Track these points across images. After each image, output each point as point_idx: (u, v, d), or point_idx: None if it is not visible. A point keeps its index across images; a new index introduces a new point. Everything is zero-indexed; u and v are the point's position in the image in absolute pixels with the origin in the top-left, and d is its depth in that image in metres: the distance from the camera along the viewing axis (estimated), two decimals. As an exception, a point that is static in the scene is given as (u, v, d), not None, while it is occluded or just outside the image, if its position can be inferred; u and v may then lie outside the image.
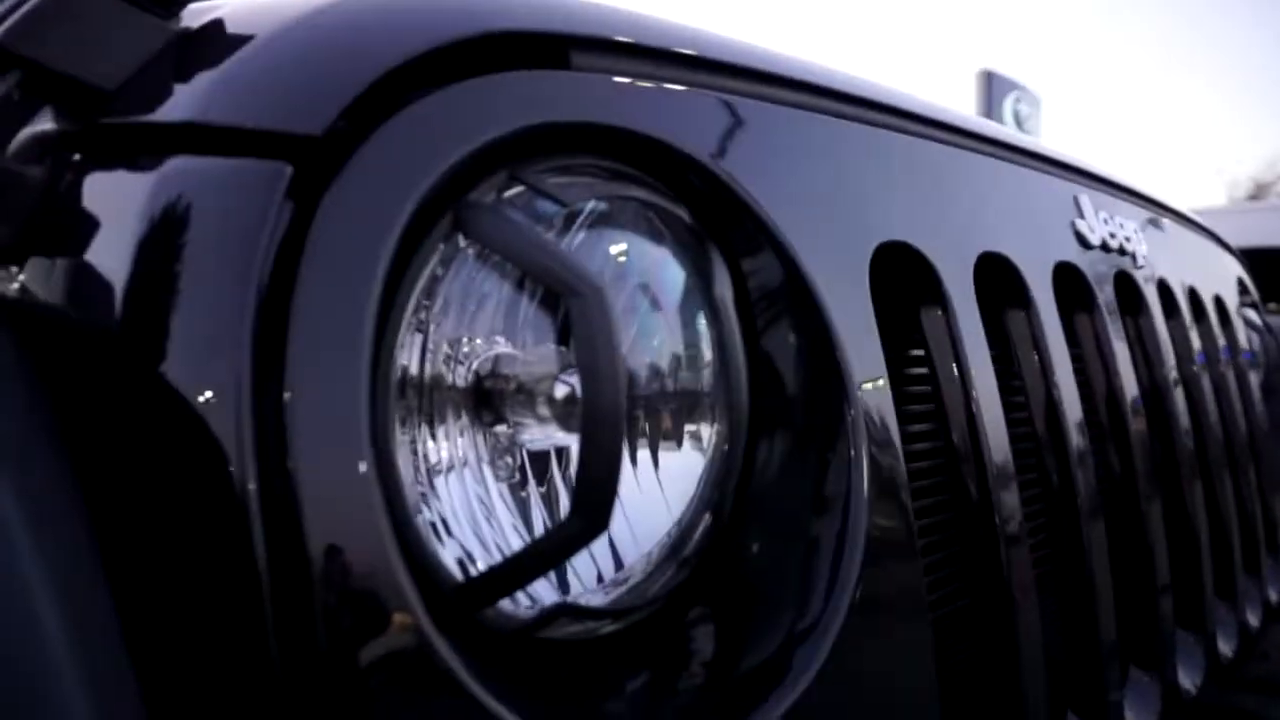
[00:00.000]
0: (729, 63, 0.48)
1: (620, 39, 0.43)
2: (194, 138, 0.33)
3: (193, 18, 0.39)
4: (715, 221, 0.44)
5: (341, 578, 0.31)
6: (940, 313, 0.55)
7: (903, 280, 0.54)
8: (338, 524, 0.31)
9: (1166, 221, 0.98)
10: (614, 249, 0.40)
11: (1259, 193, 17.70)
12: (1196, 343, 0.92)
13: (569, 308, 0.34)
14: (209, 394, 0.30)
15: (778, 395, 0.43)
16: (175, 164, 0.33)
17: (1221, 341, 1.01)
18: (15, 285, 0.34)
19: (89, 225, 0.34)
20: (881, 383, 0.46)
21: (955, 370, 0.55)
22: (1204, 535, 0.82)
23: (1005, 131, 0.76)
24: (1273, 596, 1.02)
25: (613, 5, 0.46)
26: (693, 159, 0.42)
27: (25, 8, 0.35)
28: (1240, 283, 1.22)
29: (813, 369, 0.44)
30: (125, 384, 0.32)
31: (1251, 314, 1.24)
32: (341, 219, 0.31)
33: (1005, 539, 0.52)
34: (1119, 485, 0.71)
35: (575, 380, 0.37)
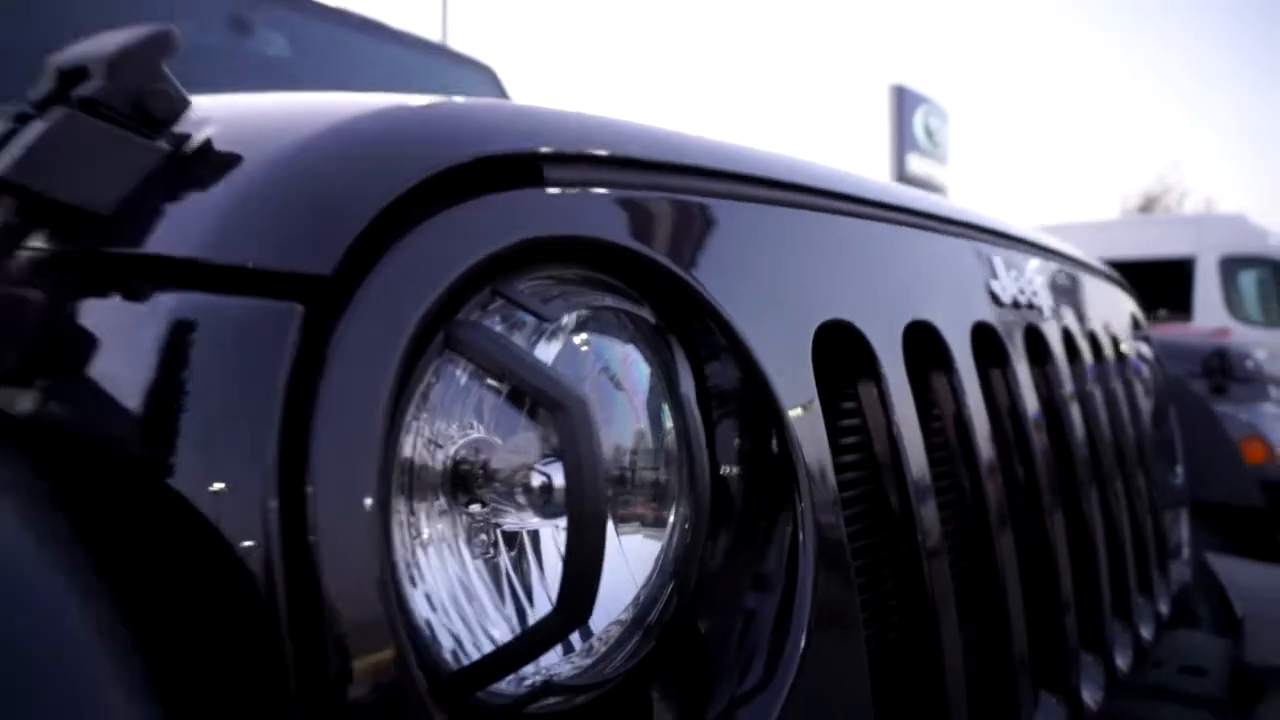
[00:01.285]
0: (687, 164, 0.52)
1: (585, 151, 0.47)
2: (201, 274, 0.35)
3: (191, 127, 0.41)
4: (678, 320, 0.47)
5: (356, 655, 0.33)
6: (874, 383, 0.60)
7: (841, 352, 0.59)
8: (353, 602, 0.33)
9: (1070, 271, 1.07)
10: (590, 353, 0.44)
11: (1149, 205, 18.77)
12: (1094, 381, 1.01)
13: (555, 421, 0.38)
14: (237, 494, 0.32)
15: (734, 481, 0.48)
16: (184, 298, 0.35)
17: (1117, 378, 1.10)
18: (27, 406, 0.36)
19: (96, 349, 0.36)
20: (826, 460, 0.51)
21: (887, 435, 0.60)
22: (1103, 559, 0.90)
23: (932, 201, 0.82)
24: (1163, 610, 1.11)
25: (580, 113, 0.50)
26: (656, 263, 0.46)
27: (23, 142, 0.36)
28: (1134, 318, 1.33)
29: (765, 456, 0.48)
30: (145, 496, 0.34)
31: (1143, 347, 1.34)
32: (351, 350, 0.34)
33: (937, 600, 0.57)
34: (1034, 527, 0.78)
35: (550, 470, 0.41)
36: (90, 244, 0.38)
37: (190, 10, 1.90)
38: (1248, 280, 8.90)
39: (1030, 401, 0.81)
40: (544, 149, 0.44)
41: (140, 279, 0.36)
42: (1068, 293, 1.02)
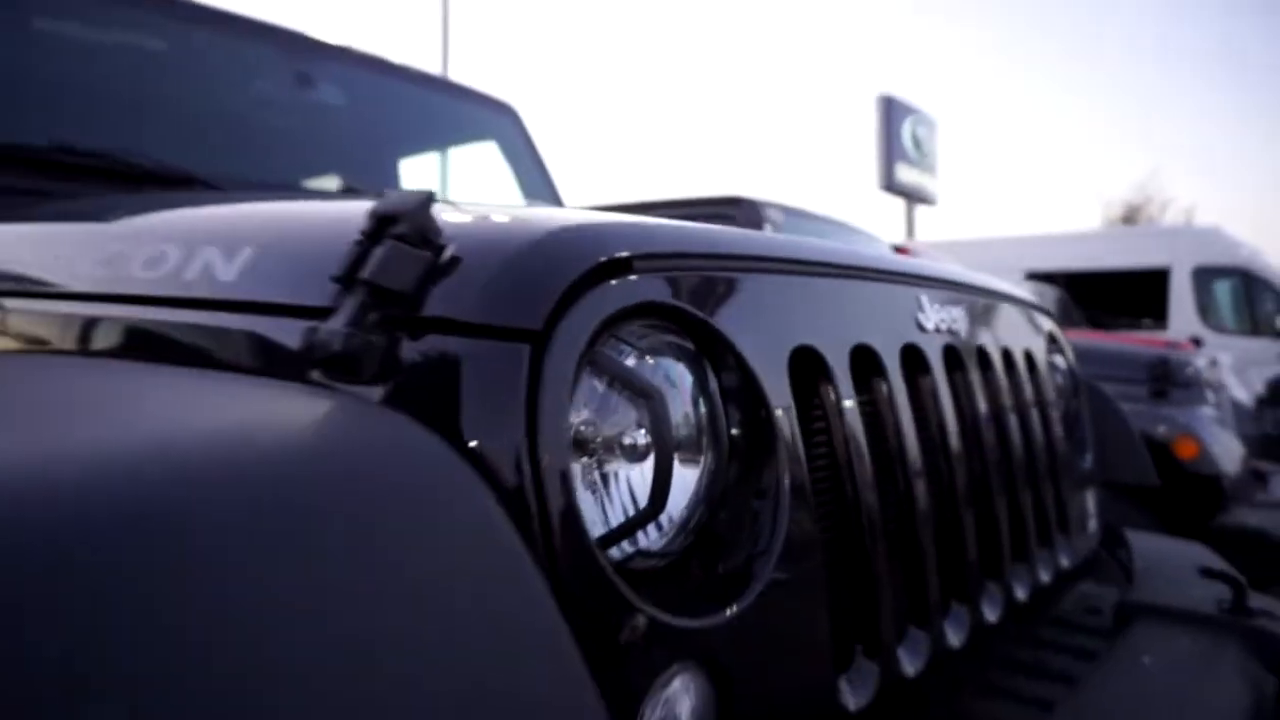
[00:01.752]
0: (713, 253, 0.86)
1: (653, 250, 0.80)
2: (470, 329, 0.69)
3: (450, 237, 0.74)
4: (707, 347, 0.81)
5: (563, 528, 0.66)
6: (830, 385, 0.94)
7: (807, 367, 0.93)
8: (560, 506, 0.66)
9: (986, 302, 1.40)
10: (658, 367, 0.77)
11: (1130, 215, 19.24)
12: (1005, 386, 1.34)
13: (649, 404, 0.71)
14: (507, 455, 0.66)
15: (740, 440, 0.81)
16: (461, 342, 0.69)
17: (1028, 384, 1.44)
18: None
19: (417, 374, 0.69)
20: (796, 431, 0.85)
21: (840, 419, 0.94)
22: (1003, 513, 1.24)
23: (879, 258, 1.16)
24: (1064, 562, 1.45)
25: (652, 224, 0.84)
26: (693, 315, 0.79)
27: (372, 261, 0.70)
28: (1050, 336, 1.67)
29: (758, 426, 0.82)
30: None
31: (1058, 359, 1.69)
32: (552, 371, 0.67)
33: (869, 522, 0.91)
34: (947, 484, 1.12)
35: (636, 435, 0.74)
36: (406, 312, 0.71)
37: (265, 73, 2.25)
38: (1222, 290, 9.26)
39: (946, 398, 1.15)
40: (632, 253, 0.77)
41: (435, 332, 0.70)
42: (983, 318, 1.36)
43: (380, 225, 0.73)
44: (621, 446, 0.74)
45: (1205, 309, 8.97)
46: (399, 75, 2.52)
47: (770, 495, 0.80)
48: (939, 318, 1.19)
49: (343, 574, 0.50)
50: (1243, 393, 5.57)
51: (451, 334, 0.69)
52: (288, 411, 0.65)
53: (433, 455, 0.60)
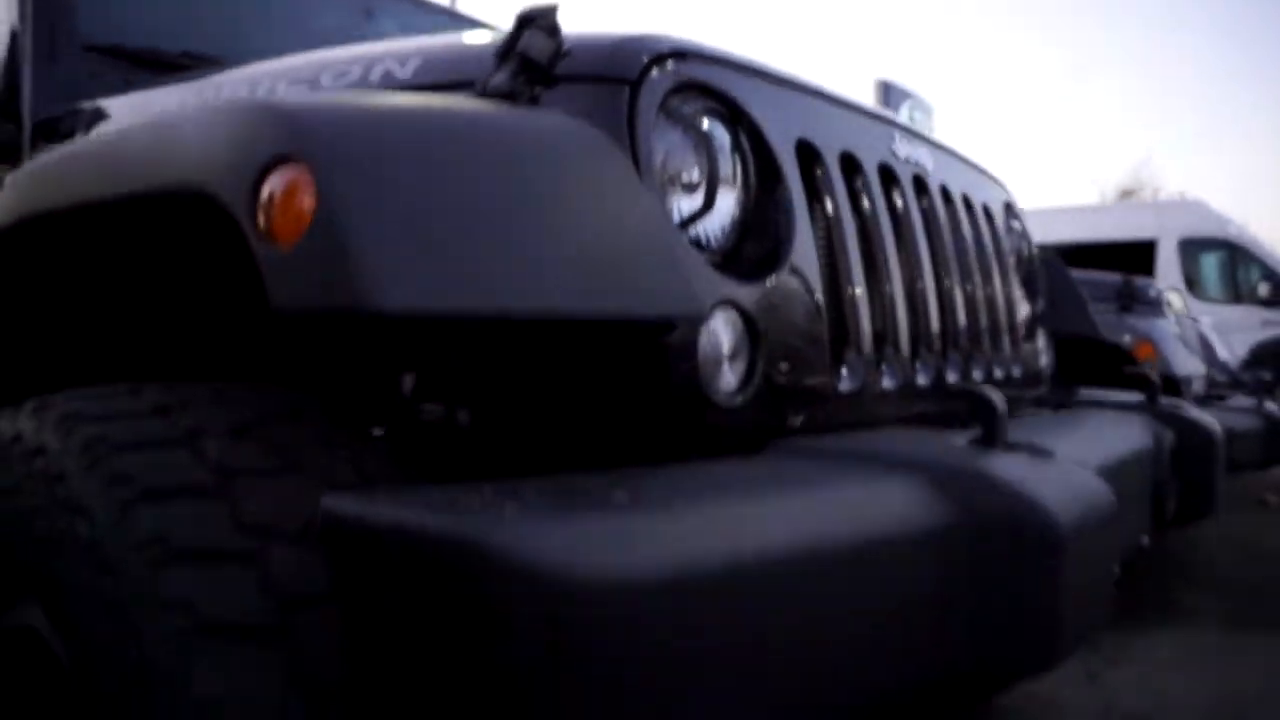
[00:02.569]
0: (749, 65, 1.22)
1: (706, 53, 1.16)
2: (591, 79, 1.05)
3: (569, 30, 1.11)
4: (738, 120, 1.18)
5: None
6: (823, 170, 1.31)
7: (808, 156, 1.29)
8: (654, 172, 1.03)
9: (951, 158, 1.77)
10: (712, 131, 1.14)
11: (1124, 198, 19.69)
12: (965, 221, 1.70)
13: (707, 144, 1.08)
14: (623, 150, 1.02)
15: (762, 189, 1.18)
16: (582, 87, 1.05)
17: (985, 227, 1.80)
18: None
19: (549, 105, 1.06)
20: (799, 187, 1.21)
21: (832, 200, 1.30)
22: (961, 306, 1.60)
23: (866, 105, 1.53)
24: (1014, 371, 1.81)
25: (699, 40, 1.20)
26: (731, 96, 1.16)
27: (525, 42, 1.06)
28: (1007, 205, 2.03)
29: (774, 173, 1.19)
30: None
31: (1015, 224, 2.05)
32: (643, 103, 1.04)
33: (849, 265, 1.28)
34: (915, 268, 1.48)
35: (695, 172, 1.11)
36: (544, 75, 1.07)
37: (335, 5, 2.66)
38: (1207, 261, 9.63)
39: (915, 209, 1.51)
40: (690, 50, 1.14)
41: (565, 83, 1.06)
42: (948, 168, 1.72)
43: (522, 23, 1.09)
44: (680, 177, 1.10)
45: (1190, 279, 9.33)
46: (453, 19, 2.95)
47: (784, 212, 1.17)
48: (908, 153, 1.56)
49: (545, 176, 0.87)
50: (1227, 354, 5.94)
51: (576, 83, 1.06)
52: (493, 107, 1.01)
53: (582, 126, 0.96)
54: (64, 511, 0.83)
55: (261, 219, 0.75)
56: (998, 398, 1.01)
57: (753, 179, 1.17)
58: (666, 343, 0.99)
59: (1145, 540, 1.44)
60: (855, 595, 0.77)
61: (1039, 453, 1.01)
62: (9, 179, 1.20)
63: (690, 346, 1.01)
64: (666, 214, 0.99)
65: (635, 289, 0.85)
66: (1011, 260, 1.91)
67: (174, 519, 0.78)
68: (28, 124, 1.80)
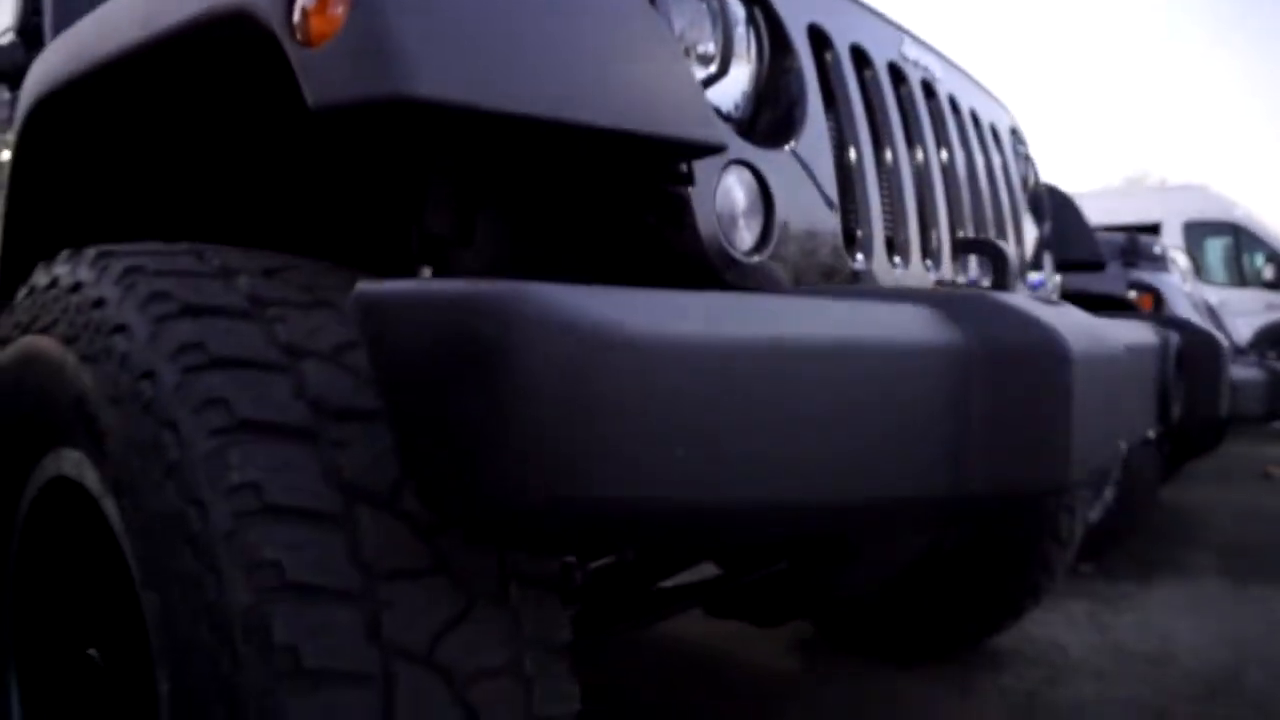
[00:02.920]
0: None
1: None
2: None
3: None
4: (763, 12, 1.20)
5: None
6: (832, 54, 1.33)
7: (819, 41, 1.31)
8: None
9: (961, 75, 1.79)
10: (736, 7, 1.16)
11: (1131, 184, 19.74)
12: (973, 132, 1.73)
13: (723, 18, 1.10)
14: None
15: (775, 64, 1.21)
16: None
17: (992, 143, 1.82)
18: None
19: None
20: (811, 65, 1.24)
21: (840, 83, 1.33)
22: (969, 211, 1.62)
23: (881, 11, 1.55)
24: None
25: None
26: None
27: None
28: (1013, 130, 2.05)
29: (787, 54, 1.21)
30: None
31: (1023, 150, 2.07)
32: None
33: (859, 143, 1.30)
34: (923, 169, 1.50)
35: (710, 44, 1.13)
36: None
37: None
38: (1213, 246, 9.63)
39: (923, 110, 1.53)
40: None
41: None
42: (956, 80, 1.74)
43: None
44: (696, 48, 1.13)
45: (1195, 262, 9.34)
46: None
47: (797, 90, 1.19)
48: (917, 56, 1.58)
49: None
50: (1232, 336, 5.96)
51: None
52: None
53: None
54: (125, 369, 0.84)
55: (297, 24, 0.77)
56: (1009, 248, 1.03)
57: (766, 54, 1.20)
58: (686, 189, 1.01)
59: (1151, 433, 1.46)
60: (872, 396, 0.79)
61: (1050, 301, 1.03)
62: (41, 56, 1.23)
63: (709, 196, 1.04)
64: (689, 64, 1.01)
65: (661, 110, 0.87)
66: (1018, 181, 1.93)
67: (237, 388, 0.80)
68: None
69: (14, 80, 1.86)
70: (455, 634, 0.81)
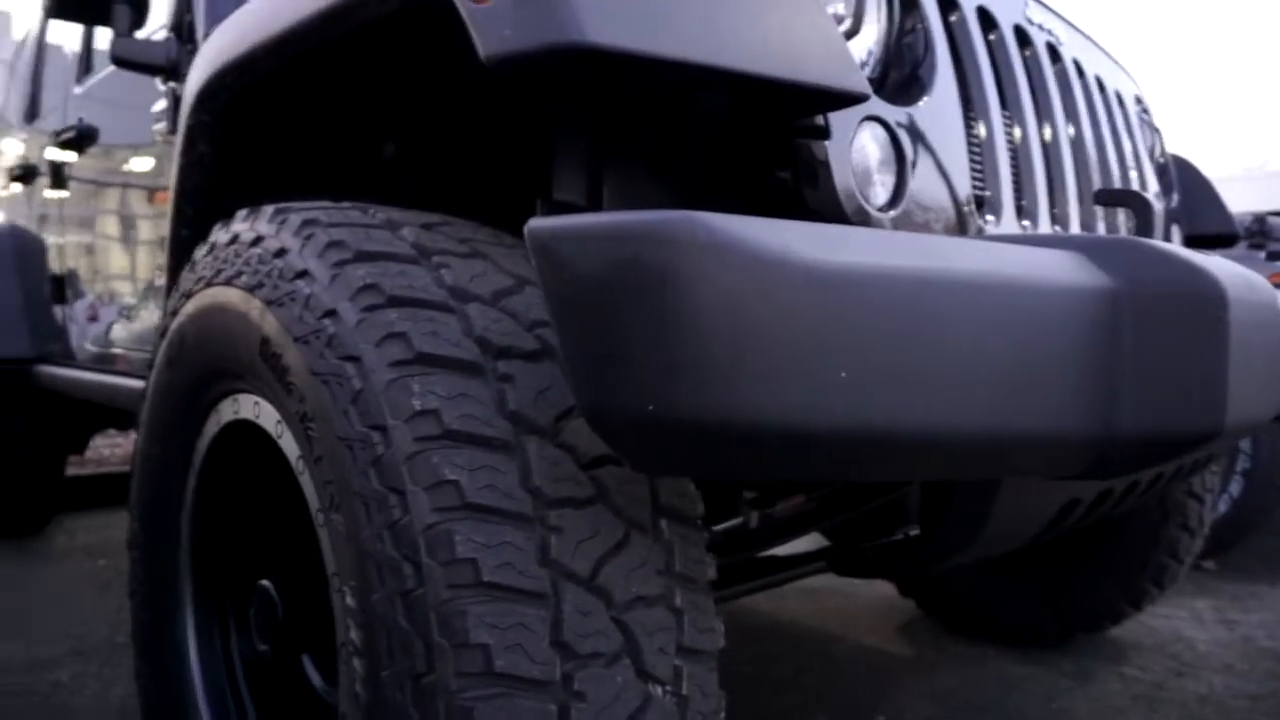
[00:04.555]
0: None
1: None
2: None
3: None
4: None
5: None
6: (958, 18, 1.32)
7: (947, 3, 1.31)
8: None
9: (1086, 40, 1.75)
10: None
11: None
12: (1099, 99, 1.69)
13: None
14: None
15: (910, 26, 1.21)
16: None
17: (1118, 110, 1.77)
18: None
19: None
20: (943, 39, 1.24)
21: (967, 44, 1.32)
22: (1096, 175, 1.58)
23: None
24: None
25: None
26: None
27: None
28: (1138, 99, 1.99)
29: (913, 22, 1.21)
30: None
31: (1148, 119, 2.01)
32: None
33: (986, 97, 1.29)
34: (1051, 132, 1.48)
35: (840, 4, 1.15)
36: None
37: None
38: (1340, 233, 9.07)
39: (1048, 70, 1.51)
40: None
41: None
42: (1081, 45, 1.70)
43: None
44: (832, 9, 1.14)
45: (1320, 250, 8.81)
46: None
47: (926, 50, 1.20)
48: (1043, 20, 1.55)
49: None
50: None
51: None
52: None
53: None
54: (308, 309, 0.91)
55: (468, -17, 0.83)
56: (1153, 199, 1.01)
57: (896, 14, 1.20)
58: (823, 144, 1.03)
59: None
60: (1026, 330, 0.80)
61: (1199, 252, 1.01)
62: (208, 42, 1.34)
63: (845, 150, 1.05)
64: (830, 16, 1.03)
65: (809, 59, 0.90)
66: (1144, 150, 1.87)
67: (413, 324, 0.85)
68: (201, 44, 1.97)
69: (169, 73, 2.01)
70: (615, 561, 0.85)
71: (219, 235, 1.11)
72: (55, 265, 3.05)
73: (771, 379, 0.68)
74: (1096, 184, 1.59)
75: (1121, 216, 1.65)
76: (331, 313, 0.89)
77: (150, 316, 2.35)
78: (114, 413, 3.16)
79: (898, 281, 0.71)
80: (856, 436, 0.73)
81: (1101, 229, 1.59)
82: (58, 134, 2.87)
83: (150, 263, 2.36)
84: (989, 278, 0.78)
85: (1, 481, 3.36)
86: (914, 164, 1.15)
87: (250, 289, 1.00)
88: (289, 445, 0.99)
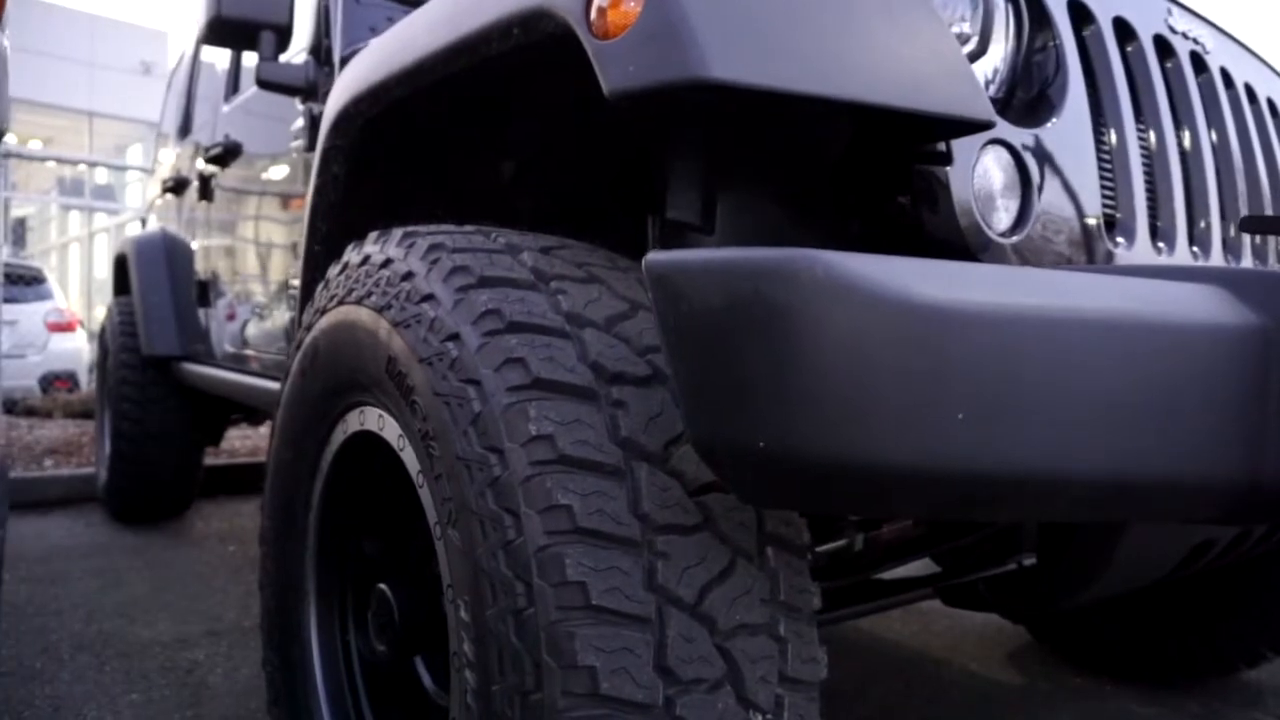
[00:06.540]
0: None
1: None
2: None
3: None
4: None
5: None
6: (1094, 29, 1.26)
7: (1080, 15, 1.25)
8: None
9: (1234, 44, 1.64)
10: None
11: None
12: (1248, 109, 1.58)
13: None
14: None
15: (1037, 42, 1.17)
16: None
17: (1270, 124, 1.65)
18: None
19: None
20: (1072, 40, 1.19)
21: (1103, 58, 1.26)
22: (1242, 188, 1.48)
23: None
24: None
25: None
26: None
27: None
28: (1291, 103, 1.85)
29: (1044, 39, 1.17)
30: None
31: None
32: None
33: (1117, 106, 1.23)
34: (1192, 146, 1.40)
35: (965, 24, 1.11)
36: None
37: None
38: None
39: (1191, 82, 1.42)
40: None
41: None
42: (1229, 51, 1.59)
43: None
44: (952, 26, 1.11)
45: None
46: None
47: (1056, 67, 1.15)
48: (1186, 27, 1.47)
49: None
50: None
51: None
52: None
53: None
54: (433, 332, 0.95)
55: (594, 20, 0.85)
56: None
57: (1025, 30, 1.16)
58: (944, 169, 1.01)
59: None
60: (1162, 373, 0.76)
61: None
62: (343, 73, 1.41)
63: (967, 175, 1.02)
64: (956, 41, 1.00)
65: (933, 88, 0.88)
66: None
67: (531, 350, 0.88)
68: (337, 66, 2.08)
69: (306, 93, 2.13)
70: (720, 588, 0.86)
71: (352, 255, 1.18)
72: (200, 270, 3.28)
73: (885, 419, 0.67)
74: (1245, 206, 1.48)
75: (1274, 244, 1.54)
76: (455, 336, 0.93)
77: (281, 318, 2.50)
78: (246, 407, 3.37)
79: (1018, 322, 0.69)
80: (973, 478, 0.71)
81: (1248, 255, 1.49)
82: (207, 149, 3.08)
83: (283, 267, 2.51)
84: (1118, 316, 0.74)
85: (155, 471, 3.65)
86: (1040, 188, 1.11)
87: (379, 309, 1.05)
88: (410, 459, 1.03)
